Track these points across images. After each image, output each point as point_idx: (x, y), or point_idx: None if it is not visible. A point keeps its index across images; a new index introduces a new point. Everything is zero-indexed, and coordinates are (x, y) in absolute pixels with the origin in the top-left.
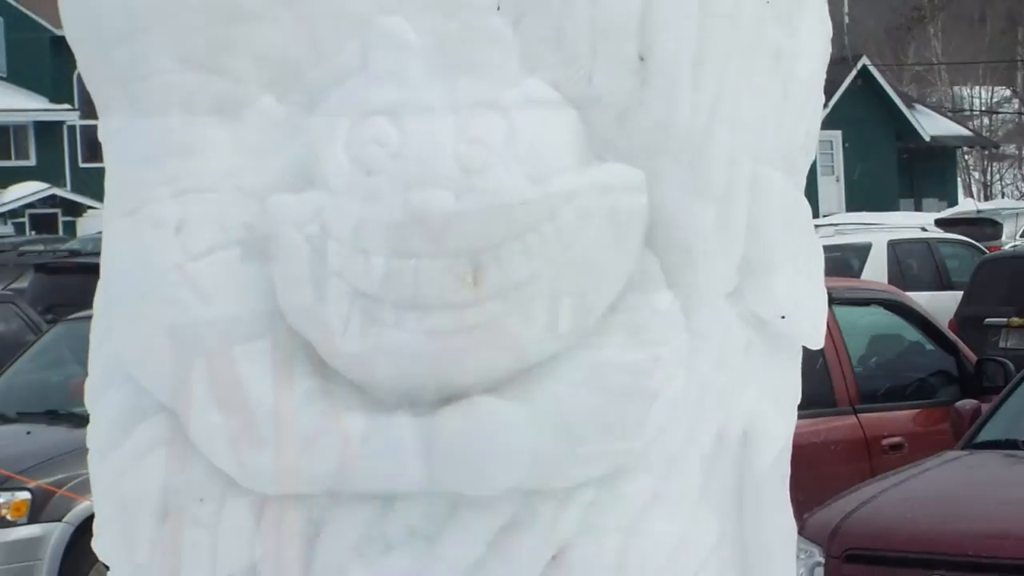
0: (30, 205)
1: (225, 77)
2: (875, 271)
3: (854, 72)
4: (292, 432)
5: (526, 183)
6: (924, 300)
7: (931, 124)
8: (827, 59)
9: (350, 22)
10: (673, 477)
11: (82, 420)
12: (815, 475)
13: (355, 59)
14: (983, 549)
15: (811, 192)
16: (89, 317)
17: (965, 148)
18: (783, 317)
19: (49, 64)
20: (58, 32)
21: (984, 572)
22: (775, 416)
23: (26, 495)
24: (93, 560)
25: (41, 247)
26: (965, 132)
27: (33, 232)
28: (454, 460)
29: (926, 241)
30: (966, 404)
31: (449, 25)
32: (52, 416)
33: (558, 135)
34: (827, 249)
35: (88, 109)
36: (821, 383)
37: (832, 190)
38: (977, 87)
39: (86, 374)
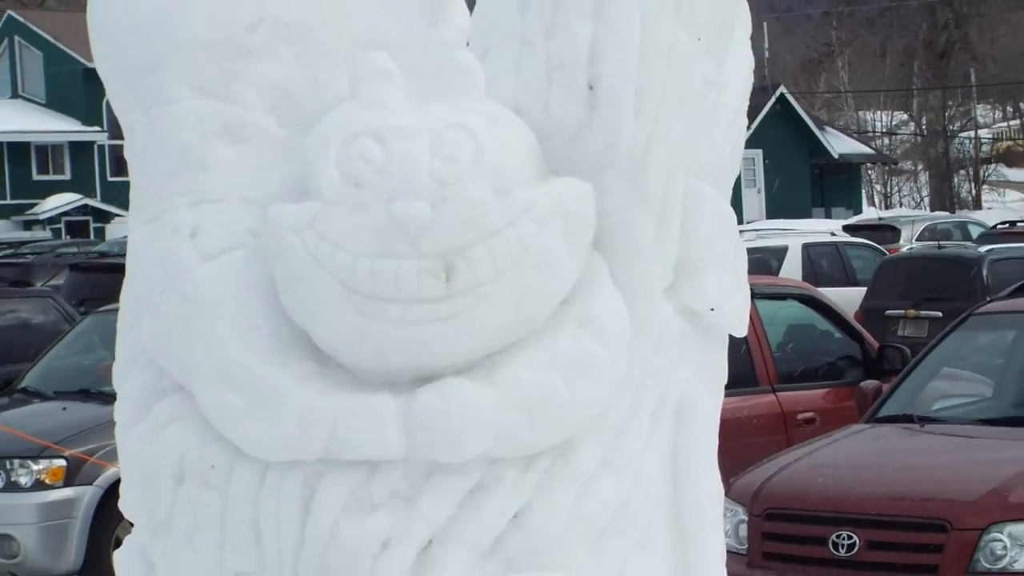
0: (65, 213)
1: (233, 103)
2: (791, 270)
3: (773, 99)
4: (290, 408)
5: (491, 195)
6: (833, 295)
7: (839, 143)
8: (750, 88)
9: (340, 57)
10: (618, 447)
11: (110, 398)
12: (740, 445)
13: (344, 88)
14: (883, 509)
15: (736, 202)
16: (116, 309)
17: (868, 164)
18: (712, 309)
19: (82, 92)
20: (90, 65)
21: (884, 528)
22: (705, 394)
23: (62, 462)
24: (119, 518)
25: (75, 249)
26: (868, 150)
27: (68, 236)
28: (429, 432)
29: (835, 244)
30: (869, 384)
31: (425, 59)
32: (84, 394)
33: (518, 153)
34: (750, 251)
35: (115, 131)
36: (745, 366)
37: (754, 200)
38: (879, 112)
39: (113, 358)
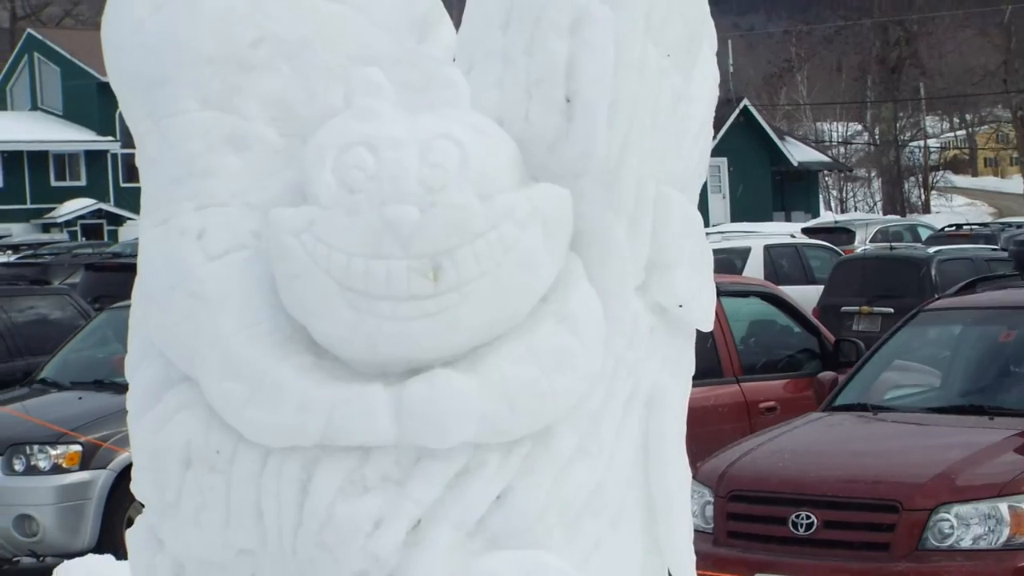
0: (81, 217)
1: (236, 115)
2: (754, 269)
3: (737, 111)
4: (289, 397)
5: (476, 200)
6: (793, 292)
7: (798, 152)
8: (715, 100)
9: (336, 72)
10: (593, 433)
11: (122, 388)
12: (706, 432)
13: (339, 101)
14: (838, 490)
15: (703, 206)
16: (128, 306)
17: (825, 171)
18: (680, 306)
19: (96, 105)
20: (103, 79)
21: (839, 509)
22: (674, 384)
23: (78, 448)
24: (131, 499)
25: (90, 250)
26: (825, 159)
27: (83, 238)
28: (418, 420)
29: (794, 246)
30: (826, 375)
31: (414, 74)
32: (99, 384)
33: (501, 161)
34: (715, 252)
35: (127, 140)
36: (711, 358)
37: (719, 205)
38: (835, 123)
39: (125, 351)
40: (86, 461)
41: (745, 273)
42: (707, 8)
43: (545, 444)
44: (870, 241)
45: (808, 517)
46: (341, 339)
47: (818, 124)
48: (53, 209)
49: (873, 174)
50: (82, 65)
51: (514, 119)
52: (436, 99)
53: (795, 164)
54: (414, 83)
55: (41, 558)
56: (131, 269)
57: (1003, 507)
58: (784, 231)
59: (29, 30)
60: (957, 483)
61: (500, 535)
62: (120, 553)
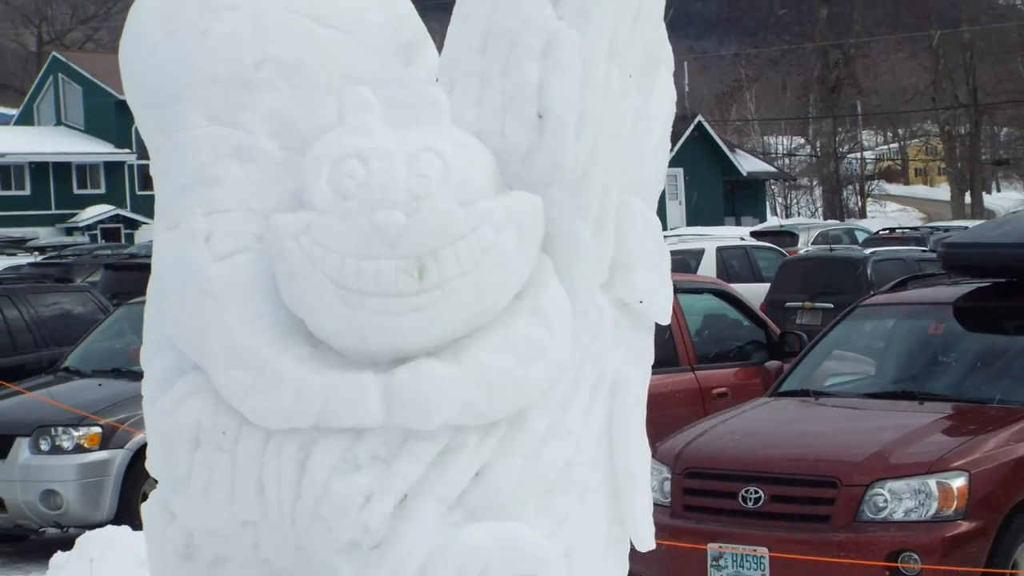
0: (101, 221)
1: (240, 130)
2: (707, 269)
3: (692, 126)
4: (288, 384)
5: (457, 206)
6: (743, 290)
7: (748, 163)
8: (672, 116)
9: (330, 91)
10: (562, 417)
11: (138, 376)
12: (664, 415)
13: (334, 117)
14: (783, 468)
15: (661, 212)
16: (143, 302)
17: (771, 180)
18: (641, 302)
19: (114, 120)
20: (121, 97)
21: (784, 484)
22: (635, 372)
23: (98, 429)
24: (146, 476)
25: (109, 252)
26: (772, 169)
27: (103, 241)
28: (405, 404)
29: (744, 247)
30: (772, 364)
31: (401, 93)
32: (117, 372)
33: (479, 171)
34: (672, 253)
35: (143, 153)
36: (668, 349)
37: (676, 211)
38: (780, 136)
39: (141, 342)
40: (105, 441)
41: (699, 272)
42: (664, 33)
43: (519, 426)
44: (812, 243)
45: (756, 492)
46: (335, 332)
47: (765, 138)
48: (75, 214)
49: (815, 183)
50: (102, 85)
51: (491, 133)
52: (421, 115)
53: (744, 174)
54: (401, 101)
55: (65, 529)
56: (146, 268)
57: (931, 483)
58: (734, 234)
59: (54, 53)
60: (890, 461)
61: (479, 508)
62: (136, 524)
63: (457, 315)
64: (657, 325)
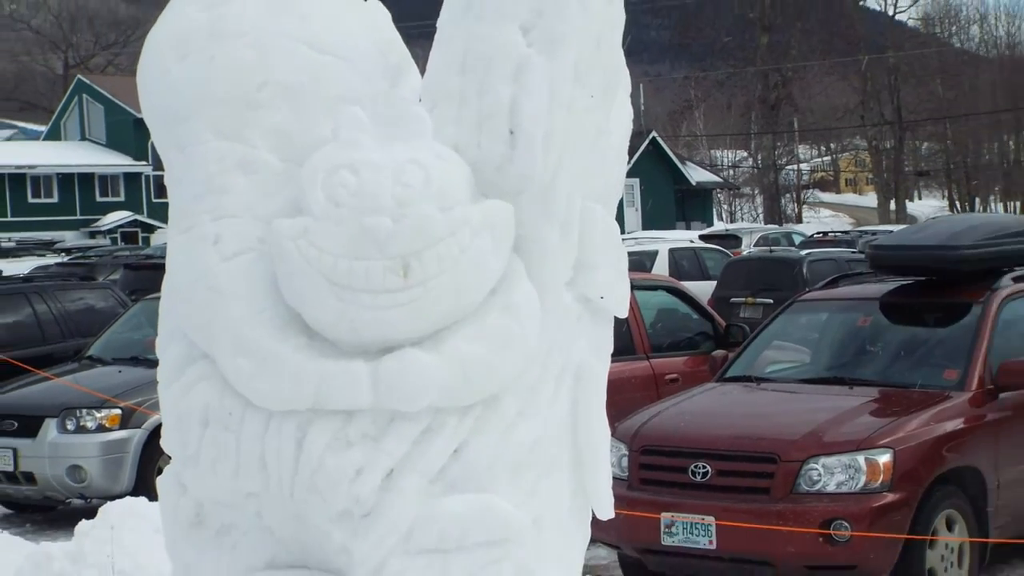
0: (120, 226)
1: (245, 144)
2: (660, 268)
3: (647, 141)
4: (287, 371)
5: (438, 212)
6: (692, 287)
7: (696, 174)
8: (630, 132)
9: (326, 110)
10: (531, 400)
11: (154, 363)
12: (622, 398)
13: (328, 133)
14: (729, 445)
15: (619, 217)
16: (158, 298)
17: (718, 189)
18: (602, 297)
19: (132, 135)
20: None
21: (729, 460)
22: (596, 361)
23: (118, 411)
24: (161, 452)
25: (127, 253)
26: (718, 179)
27: (122, 243)
28: (391, 389)
29: (693, 249)
30: (719, 353)
31: (388, 112)
32: (135, 360)
33: (457, 181)
34: (629, 254)
35: (158, 164)
36: (626, 339)
37: (633, 216)
38: (725, 150)
39: (156, 333)
40: (125, 422)
41: (653, 271)
42: (622, 59)
43: (493, 409)
44: (754, 245)
45: (704, 467)
46: (329, 324)
47: (712, 151)
48: (98, 220)
49: (756, 191)
50: (121, 104)
51: (468, 147)
52: (406, 132)
53: (694, 184)
54: (388, 119)
55: (88, 500)
56: (161, 268)
57: (860, 459)
58: (685, 238)
59: (79, 76)
60: (823, 440)
61: (457, 481)
62: (152, 496)
63: (438, 309)
64: (616, 318)
